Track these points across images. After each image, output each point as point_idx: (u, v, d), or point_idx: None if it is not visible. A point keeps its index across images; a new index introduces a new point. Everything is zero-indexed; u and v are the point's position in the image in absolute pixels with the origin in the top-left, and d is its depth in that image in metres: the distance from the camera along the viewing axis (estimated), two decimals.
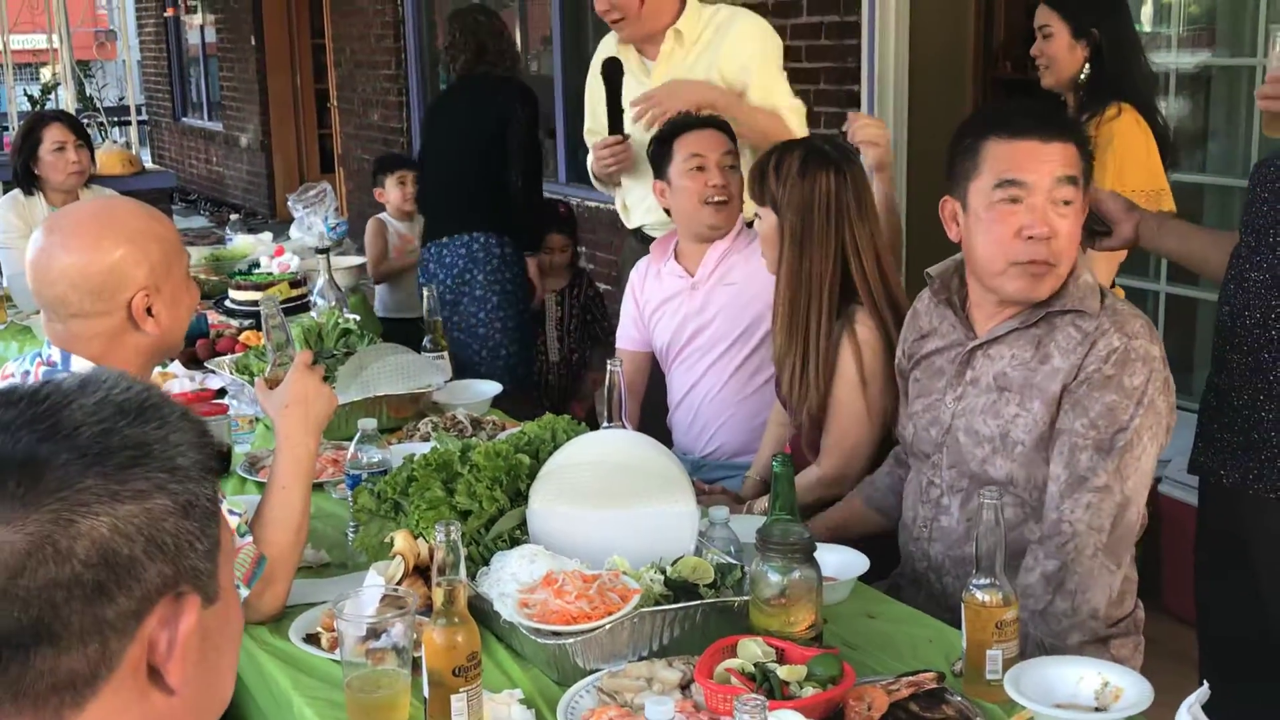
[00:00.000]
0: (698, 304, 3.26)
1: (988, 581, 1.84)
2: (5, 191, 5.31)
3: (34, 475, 0.91)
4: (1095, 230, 2.76)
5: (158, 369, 3.11)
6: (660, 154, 3.27)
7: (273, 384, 2.29)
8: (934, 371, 2.41)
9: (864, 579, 2.25)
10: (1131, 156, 3.41)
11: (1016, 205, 2.18)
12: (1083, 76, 3.56)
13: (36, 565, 0.89)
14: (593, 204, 6.86)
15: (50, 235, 2.08)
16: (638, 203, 3.73)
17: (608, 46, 3.78)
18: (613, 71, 3.60)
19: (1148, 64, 3.75)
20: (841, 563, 2.24)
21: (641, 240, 3.72)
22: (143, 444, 0.95)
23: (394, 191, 5.54)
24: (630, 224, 3.82)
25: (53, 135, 4.84)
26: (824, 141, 2.99)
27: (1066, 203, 2.18)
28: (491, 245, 4.66)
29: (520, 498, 2.24)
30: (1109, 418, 2.14)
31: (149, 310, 2.08)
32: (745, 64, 3.52)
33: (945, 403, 2.36)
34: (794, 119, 3.51)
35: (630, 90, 3.61)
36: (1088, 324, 2.19)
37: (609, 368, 2.53)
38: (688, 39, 3.58)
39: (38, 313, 4.35)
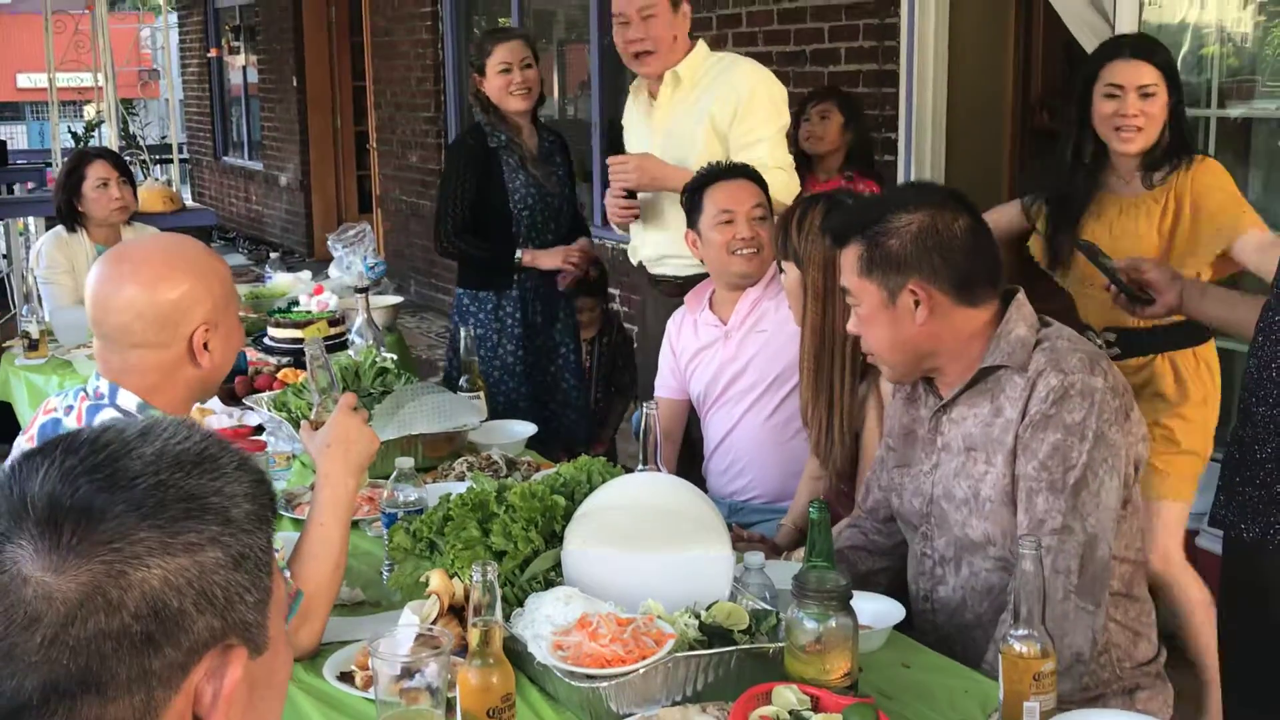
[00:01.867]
0: (731, 351, 3.28)
1: (1025, 632, 1.82)
2: (49, 228, 5.38)
3: (89, 525, 0.92)
4: (1139, 298, 2.76)
5: (196, 405, 3.14)
6: (691, 205, 3.32)
7: (317, 426, 2.30)
8: (914, 441, 2.41)
9: (899, 628, 2.24)
10: (1228, 189, 3.30)
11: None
12: (1166, 135, 3.33)
13: (87, 615, 0.90)
14: (625, 245, 6.88)
15: (118, 265, 2.12)
16: (642, 244, 3.91)
17: (632, 96, 3.98)
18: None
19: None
20: (877, 611, 2.22)
21: (651, 283, 3.89)
22: (198, 496, 0.96)
23: None
24: (633, 260, 3.99)
25: (96, 172, 4.90)
26: (848, 195, 3.02)
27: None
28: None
29: (555, 539, 2.24)
30: (1057, 457, 2.13)
31: (205, 345, 2.12)
32: (735, 106, 3.61)
33: (924, 471, 2.37)
34: (775, 179, 3.50)
35: (635, 128, 3.80)
36: (1030, 369, 2.19)
37: (644, 410, 2.53)
38: (686, 82, 3.71)
39: (79, 347, 4.41)
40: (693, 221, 3.34)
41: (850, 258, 2.27)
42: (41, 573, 0.91)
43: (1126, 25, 4.49)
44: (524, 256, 4.25)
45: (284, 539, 2.47)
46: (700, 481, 3.30)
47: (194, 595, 0.94)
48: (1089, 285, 3.36)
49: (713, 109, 3.64)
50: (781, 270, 2.89)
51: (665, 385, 3.48)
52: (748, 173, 3.34)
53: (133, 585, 0.91)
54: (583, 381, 4.54)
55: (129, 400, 2.11)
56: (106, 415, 2.11)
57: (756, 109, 3.64)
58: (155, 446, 0.97)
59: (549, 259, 4.26)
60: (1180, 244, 3.29)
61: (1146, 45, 3.44)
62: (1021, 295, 2.30)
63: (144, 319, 2.08)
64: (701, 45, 3.78)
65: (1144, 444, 2.25)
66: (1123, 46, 3.45)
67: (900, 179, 5.35)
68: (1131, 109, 3.28)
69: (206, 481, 0.97)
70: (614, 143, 4.99)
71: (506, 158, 4.26)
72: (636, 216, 3.80)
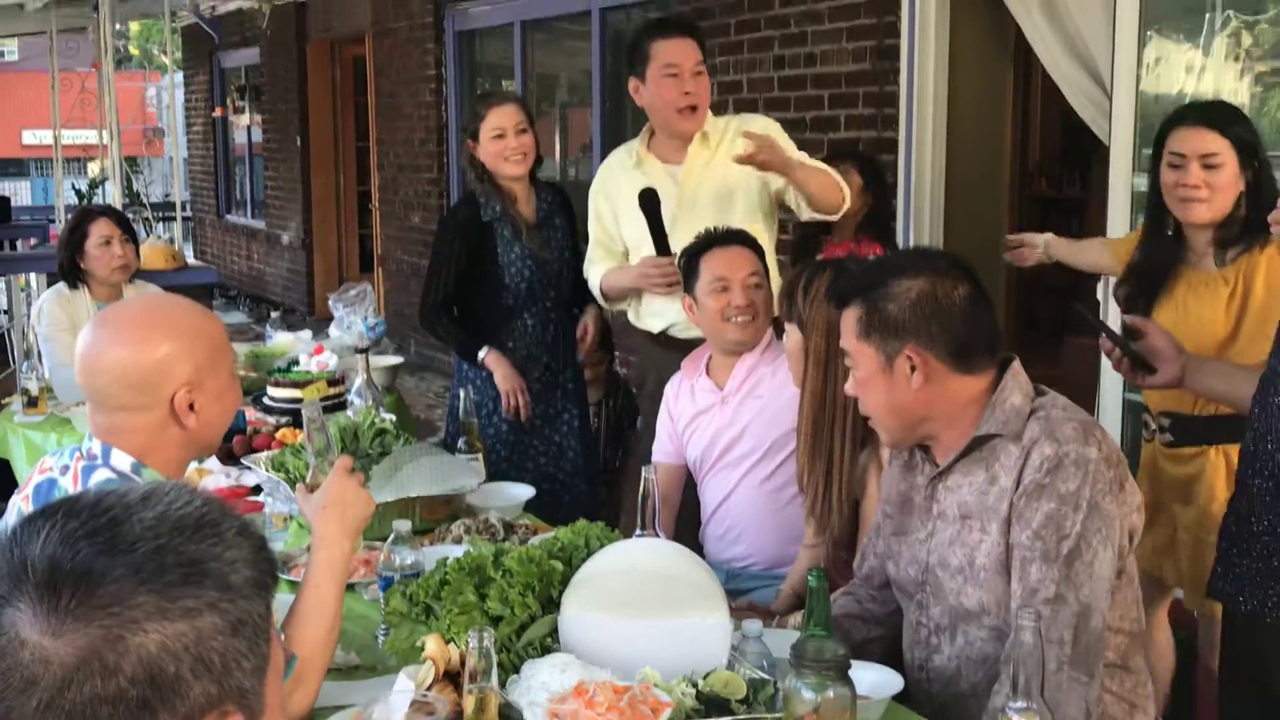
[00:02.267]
0: (728, 417, 3.28)
1: (1024, 705, 1.81)
2: (50, 284, 5.39)
3: (88, 588, 0.92)
4: (1142, 364, 2.75)
5: (193, 465, 3.13)
6: (688, 270, 3.35)
7: (313, 489, 2.30)
8: (911, 509, 2.41)
9: (898, 699, 2.22)
10: None
11: None
12: (1240, 211, 3.14)
13: (83, 680, 0.90)
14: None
15: (100, 329, 2.12)
16: (664, 308, 3.85)
17: (625, 167, 3.94)
18: (650, 201, 3.73)
19: None
20: (875, 681, 2.21)
21: (664, 345, 3.85)
22: (197, 562, 0.96)
23: None
24: (653, 329, 3.92)
25: (99, 230, 4.90)
26: (855, 263, 3.03)
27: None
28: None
29: (553, 604, 2.23)
30: (1050, 526, 2.13)
31: (191, 406, 2.11)
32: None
33: (920, 540, 2.36)
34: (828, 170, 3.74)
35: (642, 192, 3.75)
36: (1025, 438, 2.20)
37: (644, 475, 2.53)
38: (713, 140, 3.79)
39: (78, 405, 4.41)
40: (689, 287, 3.35)
41: (850, 320, 2.29)
42: (39, 636, 0.91)
43: (1124, 94, 4.54)
44: (487, 358, 4.13)
45: (279, 601, 2.45)
46: (698, 547, 3.29)
47: (190, 661, 0.93)
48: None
49: (731, 160, 3.68)
50: (782, 333, 2.90)
51: (663, 450, 3.48)
52: (745, 240, 3.36)
53: (129, 650, 0.91)
54: (589, 448, 4.42)
55: (122, 460, 2.10)
56: (101, 475, 2.10)
57: (778, 138, 3.72)
58: (156, 511, 0.97)
59: (503, 379, 4.12)
60: (1249, 327, 3.12)
61: (1213, 113, 3.28)
62: (1017, 364, 2.31)
63: (121, 382, 2.08)
64: (709, 113, 3.87)
65: (1138, 514, 2.25)
66: (1187, 114, 3.29)
67: (900, 246, 5.38)
68: (1193, 179, 3.13)
69: (207, 547, 0.97)
70: None
71: (501, 230, 4.18)
72: (676, 279, 3.68)
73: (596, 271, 4.03)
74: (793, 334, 2.87)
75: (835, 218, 3.91)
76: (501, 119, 4.12)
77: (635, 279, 3.85)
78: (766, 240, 3.71)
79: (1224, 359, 3.02)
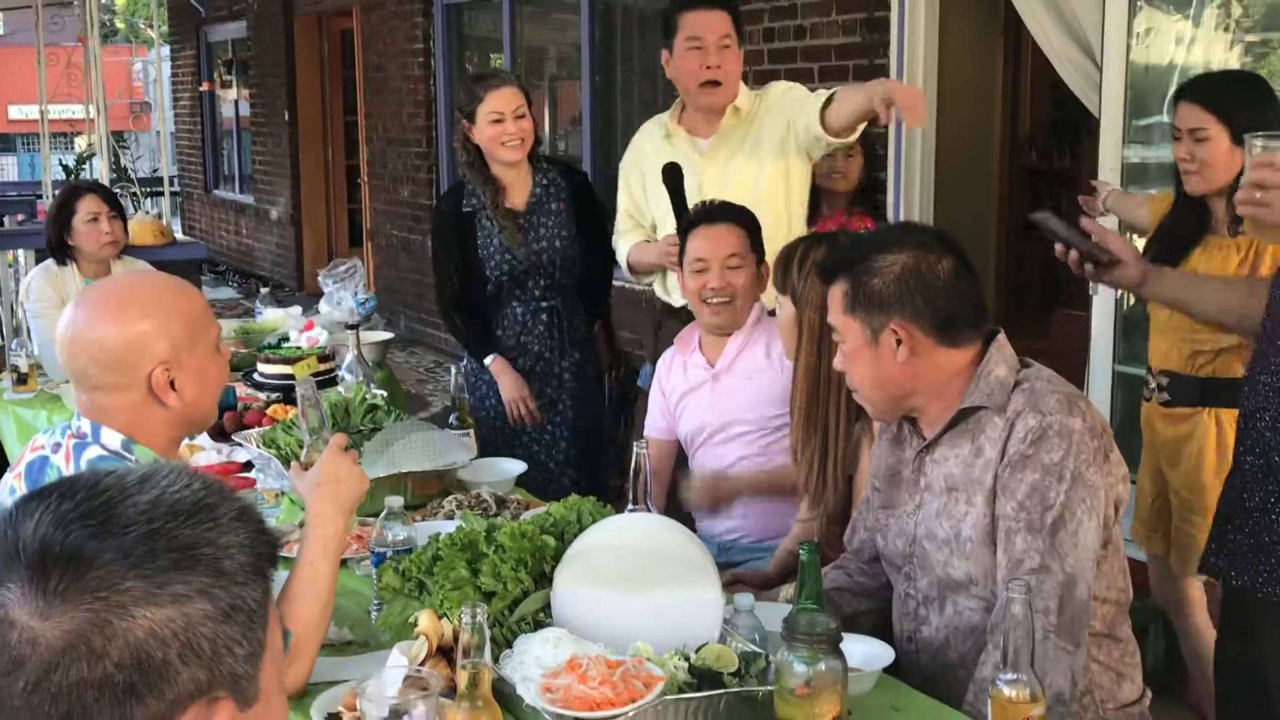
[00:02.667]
0: (719, 394, 3.28)
1: (1014, 676, 1.82)
2: (39, 261, 5.37)
3: (77, 571, 0.92)
4: (1098, 260, 2.68)
5: (185, 441, 3.13)
6: (681, 246, 3.33)
7: (307, 466, 2.30)
8: (899, 483, 2.42)
9: (888, 670, 2.23)
10: None
11: None
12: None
13: (70, 663, 0.90)
14: (617, 284, 6.89)
15: (78, 309, 2.12)
16: None
17: (654, 140, 3.87)
18: (673, 175, 3.69)
19: None
20: (867, 654, 2.22)
21: (685, 320, 3.74)
22: (189, 547, 0.96)
23: None
24: (675, 303, 3.87)
25: (87, 206, 4.88)
26: (846, 238, 3.03)
27: None
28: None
29: (545, 579, 2.23)
30: (1035, 497, 2.15)
31: (172, 384, 2.09)
32: (781, 107, 3.66)
33: (908, 512, 2.38)
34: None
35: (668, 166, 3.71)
36: (1009, 410, 2.21)
37: (635, 450, 2.54)
38: (745, 114, 3.72)
39: (67, 382, 4.40)
40: (681, 262, 3.36)
41: (836, 295, 2.30)
42: (28, 618, 0.91)
43: (1113, 65, 4.54)
44: (493, 365, 4.09)
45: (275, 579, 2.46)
46: (689, 521, 3.30)
47: (179, 647, 0.93)
48: (1165, 326, 3.33)
49: (763, 134, 3.68)
50: (779, 303, 2.89)
51: (655, 426, 3.48)
52: (735, 217, 3.31)
53: (116, 635, 0.91)
54: (583, 441, 4.27)
55: (112, 438, 2.10)
56: (93, 453, 2.10)
57: (791, 90, 3.73)
58: (152, 495, 0.97)
59: (506, 389, 4.07)
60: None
61: (1204, 88, 3.34)
62: (1002, 336, 2.32)
63: (98, 363, 2.07)
64: (743, 86, 3.78)
65: (1124, 485, 2.26)
66: (1186, 88, 3.36)
67: (890, 218, 5.37)
68: (1183, 152, 3.24)
69: (201, 532, 0.97)
70: (608, 181, 5.01)
71: (481, 221, 4.08)
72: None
73: (625, 244, 3.99)
74: (786, 307, 2.87)
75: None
76: (500, 102, 3.95)
77: (658, 255, 3.80)
78: (799, 192, 3.70)
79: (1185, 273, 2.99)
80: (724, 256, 3.24)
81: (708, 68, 3.66)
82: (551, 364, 4.20)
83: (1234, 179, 3.11)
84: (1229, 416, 3.09)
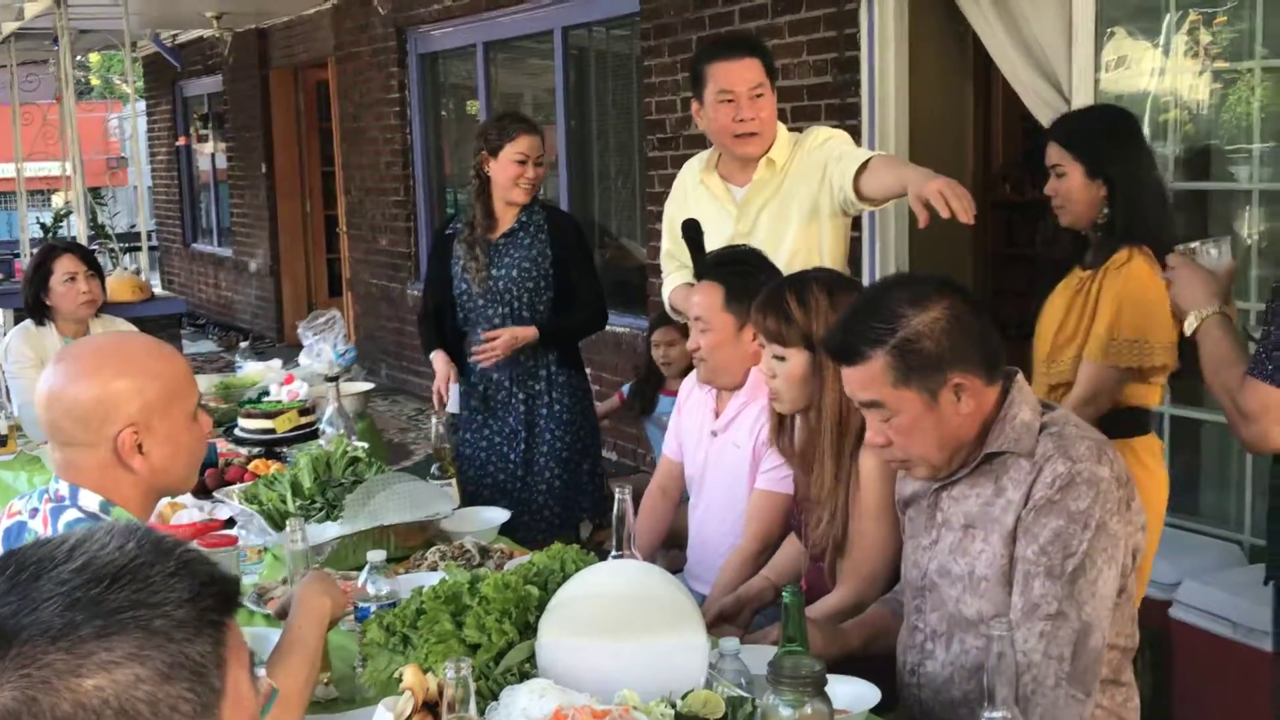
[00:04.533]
0: (715, 450, 3.27)
1: (1000, 715, 1.82)
2: (17, 321, 5.36)
3: (3, 650, 0.92)
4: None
5: (165, 499, 3.11)
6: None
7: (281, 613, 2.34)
8: (919, 511, 2.42)
9: (876, 710, 2.23)
10: (1131, 303, 3.18)
11: None
12: (1101, 219, 3.30)
13: None
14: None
15: (58, 364, 2.11)
16: None
17: (690, 183, 3.84)
18: (693, 231, 3.66)
19: (1169, 206, 3.50)
20: (853, 695, 2.21)
21: None
22: (115, 612, 0.95)
23: None
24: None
25: (64, 266, 4.89)
26: (824, 271, 3.03)
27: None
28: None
29: (529, 630, 2.23)
30: (1058, 543, 2.13)
31: (140, 448, 2.06)
32: (819, 159, 3.56)
33: (924, 546, 2.37)
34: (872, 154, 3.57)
35: (712, 217, 3.68)
36: (1038, 454, 2.20)
37: (617, 496, 2.53)
38: (779, 165, 3.62)
39: (47, 443, 4.38)
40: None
41: (876, 372, 2.21)
42: None
43: (1082, 96, 4.58)
44: (434, 356, 4.47)
45: (253, 634, 2.45)
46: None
47: (112, 714, 0.93)
48: (1041, 361, 3.39)
49: (803, 182, 3.58)
50: (779, 360, 2.80)
51: (670, 446, 3.50)
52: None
53: (44, 712, 0.91)
54: (571, 473, 4.36)
55: (90, 500, 2.07)
56: (70, 516, 2.08)
57: (831, 141, 3.62)
58: (79, 562, 0.97)
59: (437, 374, 4.45)
60: (1087, 327, 3.26)
61: (1059, 126, 3.51)
62: (1021, 377, 2.31)
63: (69, 416, 2.05)
64: (782, 128, 3.69)
65: (1142, 533, 2.25)
66: (1048, 128, 3.56)
67: (865, 255, 5.41)
68: (1049, 188, 3.41)
69: (127, 595, 0.96)
70: (586, 224, 5.04)
71: (456, 244, 4.34)
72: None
73: (669, 284, 3.93)
74: (795, 357, 2.77)
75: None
76: (527, 146, 4.22)
77: (670, 295, 3.86)
78: (832, 246, 3.60)
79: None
80: (701, 316, 3.19)
81: (741, 120, 3.56)
82: (512, 394, 4.32)
83: (1097, 213, 3.31)
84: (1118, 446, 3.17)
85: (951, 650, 2.30)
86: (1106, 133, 3.37)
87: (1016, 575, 2.18)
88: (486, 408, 4.34)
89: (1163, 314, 3.15)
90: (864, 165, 3.36)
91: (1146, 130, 4.58)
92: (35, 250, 5.69)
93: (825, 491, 2.75)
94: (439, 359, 4.43)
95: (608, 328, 5.70)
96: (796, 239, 3.57)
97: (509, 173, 4.20)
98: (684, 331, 3.99)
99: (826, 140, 3.61)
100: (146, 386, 2.07)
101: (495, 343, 4.18)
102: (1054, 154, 3.38)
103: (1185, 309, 2.65)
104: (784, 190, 3.61)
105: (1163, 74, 4.53)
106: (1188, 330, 2.62)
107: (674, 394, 5.25)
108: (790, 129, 3.73)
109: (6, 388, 5.11)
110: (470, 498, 3.96)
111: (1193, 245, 2.76)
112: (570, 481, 4.34)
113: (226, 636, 1.02)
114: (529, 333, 4.23)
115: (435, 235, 4.56)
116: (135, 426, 2.05)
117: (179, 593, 0.98)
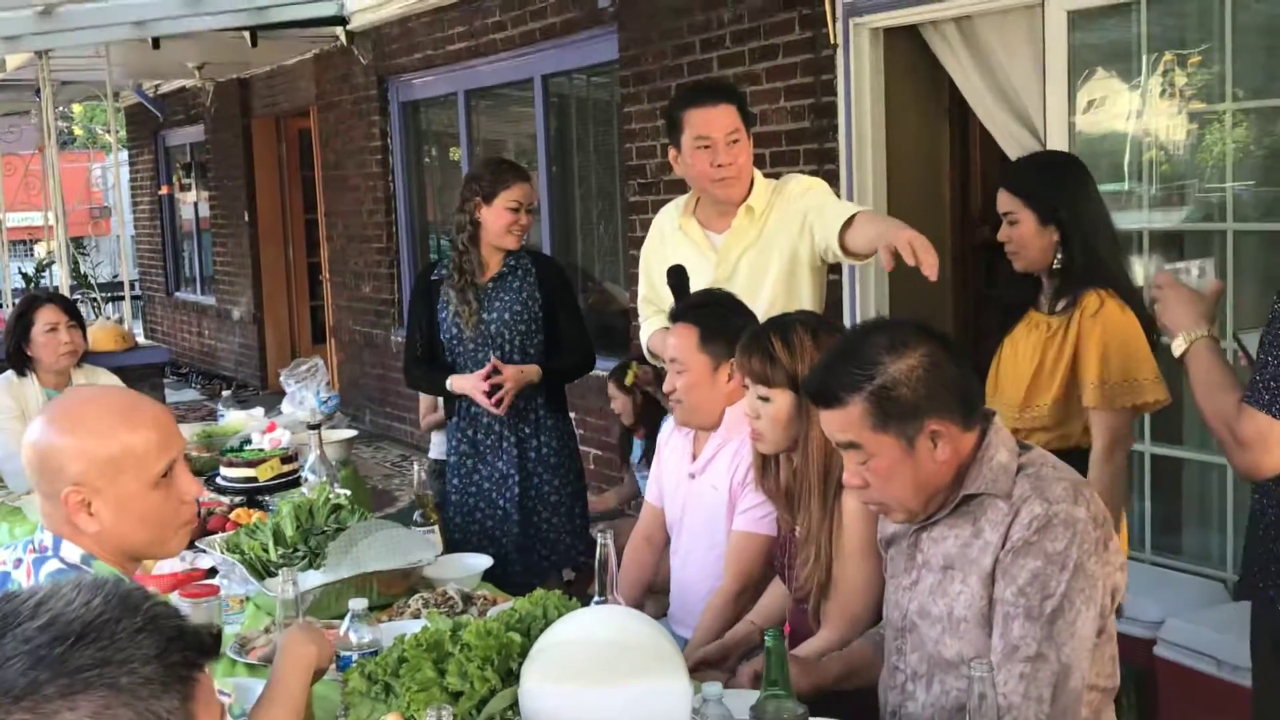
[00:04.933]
0: (694, 493, 3.27)
1: None
2: None
3: None
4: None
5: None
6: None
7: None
8: (898, 554, 2.43)
9: None
10: (1115, 347, 3.22)
11: None
12: (1056, 264, 3.34)
13: None
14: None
15: (40, 412, 2.12)
16: None
17: (668, 230, 3.85)
18: (678, 277, 3.66)
19: (1119, 248, 3.53)
20: None
21: None
22: (79, 670, 0.95)
23: None
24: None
25: (45, 317, 4.88)
26: (807, 313, 3.05)
27: None
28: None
29: (512, 677, 2.23)
30: (1036, 585, 2.14)
31: (90, 509, 2.01)
32: (799, 209, 3.57)
33: (904, 586, 2.37)
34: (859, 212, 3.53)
35: (691, 263, 3.67)
36: (1015, 495, 2.21)
37: (599, 542, 2.53)
38: (757, 213, 3.63)
39: (28, 493, 4.37)
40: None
41: (854, 417, 2.22)
42: None
43: (1056, 138, 4.63)
44: (453, 382, 4.26)
45: (236, 684, 2.45)
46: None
47: None
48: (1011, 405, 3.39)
49: (782, 229, 3.59)
50: (763, 400, 2.81)
51: (651, 494, 3.50)
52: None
53: None
54: (568, 517, 4.36)
55: (73, 552, 2.06)
56: (51, 567, 2.07)
57: (821, 194, 3.63)
58: (44, 619, 0.97)
59: (464, 389, 4.22)
60: (1064, 376, 3.28)
61: (1009, 173, 3.59)
62: (998, 419, 2.32)
63: (30, 467, 2.04)
64: (759, 174, 3.71)
65: (1121, 573, 2.25)
66: (1000, 175, 3.63)
67: (845, 298, 5.44)
68: (1002, 234, 3.44)
69: (93, 653, 0.96)
70: (568, 269, 5.06)
71: (443, 289, 4.30)
72: None
73: (646, 329, 3.93)
74: (780, 399, 2.79)
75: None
76: (521, 194, 4.23)
77: (648, 339, 3.84)
78: (810, 294, 3.61)
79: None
80: (675, 357, 3.21)
81: (718, 165, 3.58)
82: (503, 436, 4.29)
83: (1051, 258, 3.34)
84: None
85: (932, 691, 2.30)
86: (1056, 179, 3.41)
87: (996, 617, 2.18)
88: (475, 452, 4.31)
89: (1143, 351, 3.21)
90: (849, 221, 3.36)
91: (1122, 171, 4.64)
92: (17, 301, 5.69)
93: (811, 531, 2.76)
94: (458, 380, 4.24)
95: (592, 371, 5.72)
96: (775, 285, 3.58)
97: (503, 220, 4.19)
98: (660, 375, 3.99)
99: (807, 190, 3.63)
100: (96, 450, 2.00)
101: (505, 386, 4.13)
102: (1005, 201, 3.41)
103: (1173, 331, 2.63)
104: (764, 238, 3.62)
105: (1138, 115, 4.58)
106: (1175, 352, 2.61)
107: (643, 437, 5.32)
108: (768, 175, 3.75)
109: None
110: (457, 544, 3.95)
111: (1178, 265, 2.76)
112: (561, 525, 4.33)
113: (195, 690, 1.01)
114: (534, 370, 4.21)
115: (418, 280, 4.50)
116: (78, 486, 2.00)
117: (145, 649, 0.98)
